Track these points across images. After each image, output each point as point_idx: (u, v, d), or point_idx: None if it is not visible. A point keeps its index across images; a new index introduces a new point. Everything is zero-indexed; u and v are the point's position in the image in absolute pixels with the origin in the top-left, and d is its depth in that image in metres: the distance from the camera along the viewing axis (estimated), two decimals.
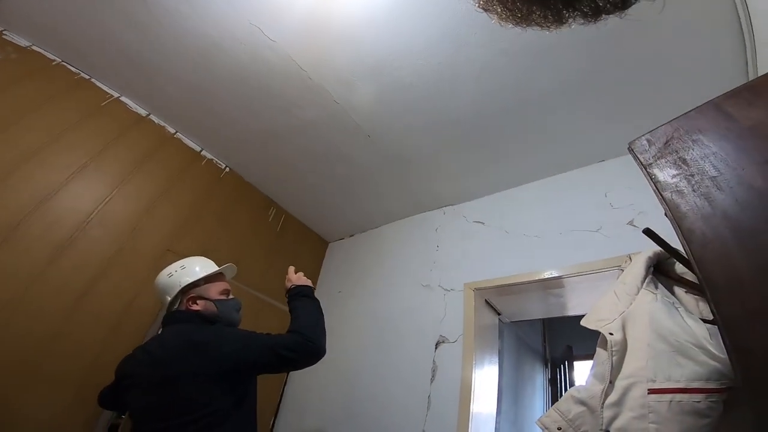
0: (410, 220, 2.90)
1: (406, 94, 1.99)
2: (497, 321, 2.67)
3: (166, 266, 1.55)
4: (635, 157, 0.96)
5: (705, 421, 0.86)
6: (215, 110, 2.28)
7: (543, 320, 4.07)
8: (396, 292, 2.57)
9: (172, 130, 2.48)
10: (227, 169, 2.66)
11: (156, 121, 2.42)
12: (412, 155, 2.37)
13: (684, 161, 0.85)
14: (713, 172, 0.79)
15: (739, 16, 1.43)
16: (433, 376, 2.07)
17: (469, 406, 1.85)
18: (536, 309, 2.68)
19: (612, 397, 0.95)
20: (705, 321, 1.04)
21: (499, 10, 0.85)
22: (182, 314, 1.41)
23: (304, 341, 1.26)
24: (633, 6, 0.91)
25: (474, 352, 2.02)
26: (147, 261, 2.16)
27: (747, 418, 0.95)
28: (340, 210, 2.92)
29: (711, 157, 0.81)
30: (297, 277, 1.57)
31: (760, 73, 1.69)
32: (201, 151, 2.57)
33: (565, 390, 3.52)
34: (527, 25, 0.93)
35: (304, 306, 1.43)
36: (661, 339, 1.01)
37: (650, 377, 0.95)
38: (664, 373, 0.95)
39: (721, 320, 0.73)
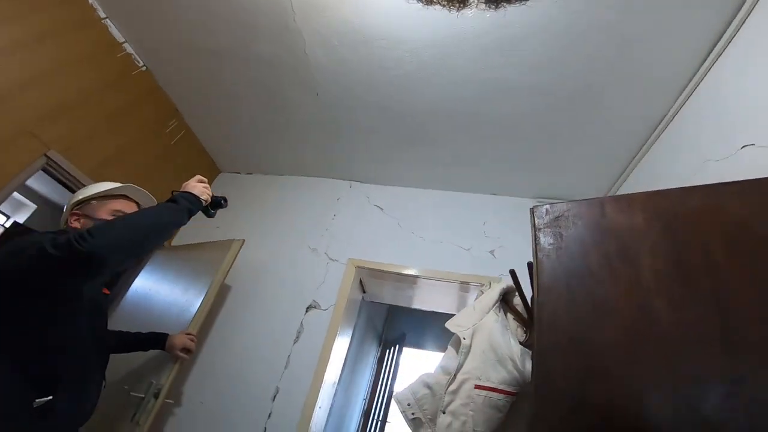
0: (317, 180, 2.93)
1: (377, 74, 2.03)
2: (361, 298, 2.97)
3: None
4: (532, 219, 1.25)
5: (500, 415, 1.21)
6: (172, 8, 1.94)
7: (389, 305, 4.61)
8: (282, 247, 2.59)
9: (103, 15, 2.07)
10: (143, 68, 2.27)
11: (90, 1, 2.01)
12: (349, 126, 2.42)
13: (561, 236, 1.16)
14: (573, 250, 1.11)
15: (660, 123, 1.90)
16: (297, 338, 2.21)
17: (325, 372, 2.06)
18: (390, 295, 3.07)
19: (452, 387, 1.24)
20: (520, 343, 1.43)
21: None
22: (57, 232, 1.20)
23: (78, 238, 0.91)
24: None
25: (340, 323, 2.23)
26: None
27: (523, 416, 1.38)
28: (250, 144, 2.75)
29: (578, 238, 1.13)
30: (191, 184, 1.29)
31: (630, 180, 2.31)
32: (123, 43, 2.16)
33: (388, 369, 4.11)
34: (428, 4, 0.99)
35: (149, 209, 1.17)
36: (492, 349, 1.35)
37: (479, 376, 1.27)
38: (487, 375, 1.29)
39: (537, 347, 1.06)
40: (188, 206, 1.20)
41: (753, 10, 1.47)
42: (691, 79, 1.74)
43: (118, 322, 1.95)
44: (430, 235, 2.56)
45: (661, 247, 1.02)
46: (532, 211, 1.28)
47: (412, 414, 1.28)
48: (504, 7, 1.59)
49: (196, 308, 1.94)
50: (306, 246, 2.58)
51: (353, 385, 3.62)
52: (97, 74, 2.08)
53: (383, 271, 2.47)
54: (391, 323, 4.69)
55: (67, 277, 0.98)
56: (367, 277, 2.68)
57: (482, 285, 2.26)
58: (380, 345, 4.47)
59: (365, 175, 2.84)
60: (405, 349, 4.20)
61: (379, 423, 3.82)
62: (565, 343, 1.04)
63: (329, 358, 2.11)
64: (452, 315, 2.81)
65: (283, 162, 2.89)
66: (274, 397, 2.04)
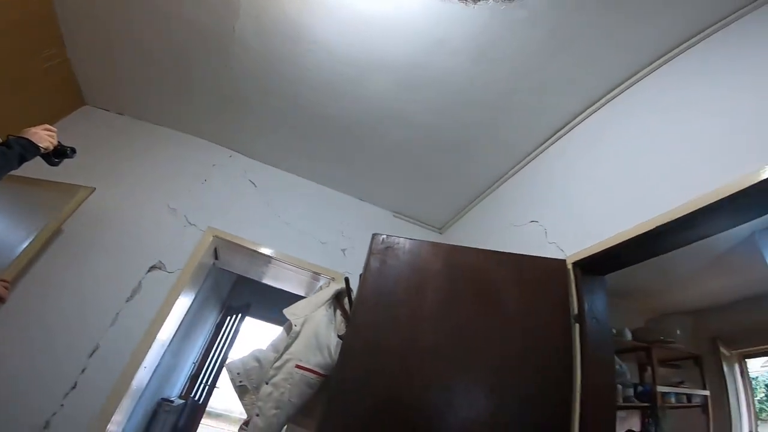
0: (197, 141, 2.83)
1: (294, 70, 2.13)
2: (212, 264, 3.03)
3: None
4: (371, 243, 1.61)
5: (311, 391, 1.56)
6: None
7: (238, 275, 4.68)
8: (137, 200, 2.45)
9: None
10: None
11: None
12: (250, 103, 2.44)
13: (386, 263, 1.55)
14: (391, 276, 1.51)
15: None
16: (131, 297, 2.17)
17: (157, 334, 2.10)
18: (243, 267, 3.21)
19: (278, 363, 1.53)
20: (339, 336, 1.81)
21: None
22: None
23: None
24: None
25: (184, 289, 2.29)
26: None
27: (326, 394, 1.76)
28: (132, 84, 2.49)
29: (397, 269, 1.53)
30: (32, 130, 1.30)
31: (462, 220, 2.90)
32: None
33: (227, 335, 4.23)
34: None
35: None
36: (316, 338, 1.69)
37: (300, 358, 1.60)
38: (307, 358, 1.62)
39: (344, 343, 1.44)
40: (21, 152, 1.21)
41: (580, 124, 2.09)
42: (524, 159, 2.35)
43: None
44: (295, 222, 2.79)
45: (442, 288, 1.49)
46: (373, 236, 1.65)
47: (240, 382, 1.53)
48: None
49: (17, 253, 1.78)
50: (165, 205, 2.52)
51: (185, 347, 3.63)
52: None
53: (241, 246, 2.60)
54: (237, 291, 4.76)
55: None
56: (223, 248, 2.76)
57: (332, 278, 2.62)
58: (222, 311, 4.52)
59: (249, 150, 2.88)
60: (248, 319, 4.36)
61: (207, 387, 3.92)
62: (363, 344, 1.43)
63: (164, 320, 2.16)
64: (300, 295, 3.15)
65: (163, 112, 2.70)
66: (92, 353, 1.99)
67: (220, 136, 2.82)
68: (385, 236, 1.64)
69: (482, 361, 1.38)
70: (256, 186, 2.84)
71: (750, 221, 1.28)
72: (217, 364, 4.00)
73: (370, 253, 1.59)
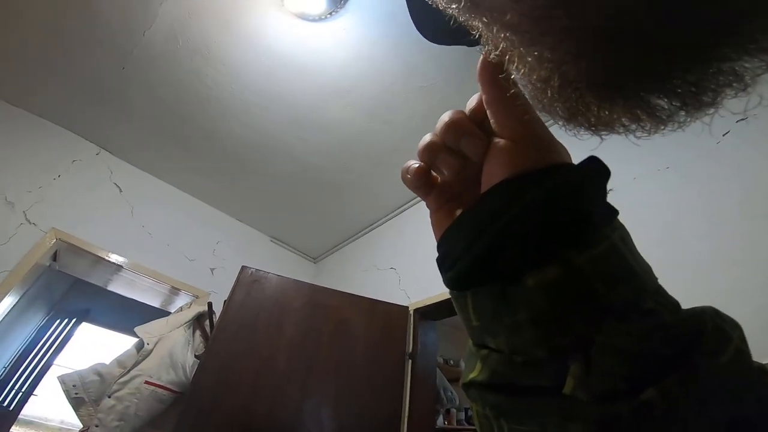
0: (59, 130, 2.66)
1: (194, 85, 2.25)
2: (47, 266, 2.84)
3: None
4: (239, 275, 1.88)
5: (162, 406, 1.73)
6: None
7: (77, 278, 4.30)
8: None
9: None
10: None
11: None
12: (136, 105, 2.45)
13: (250, 294, 1.84)
14: (253, 308, 1.81)
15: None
16: None
17: None
18: (86, 271, 3.06)
19: (124, 378, 1.67)
20: (196, 356, 2.01)
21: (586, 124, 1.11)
22: None
23: None
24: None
25: (8, 293, 2.18)
26: None
27: (179, 409, 1.93)
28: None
29: (260, 301, 1.83)
30: None
31: (333, 256, 3.29)
32: None
33: (53, 341, 3.88)
34: (569, 121, 1.13)
35: None
36: (170, 356, 1.87)
37: (151, 374, 1.76)
38: (158, 375, 1.79)
39: (201, 363, 1.68)
40: None
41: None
42: (394, 211, 2.87)
43: None
44: (161, 233, 2.82)
45: (301, 323, 1.84)
46: (242, 269, 1.93)
47: (76, 394, 1.62)
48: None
49: None
50: (2, 197, 2.35)
51: None
52: None
53: (90, 252, 2.54)
54: (74, 294, 4.35)
55: None
56: (65, 251, 2.64)
57: (195, 296, 2.75)
58: (50, 314, 4.10)
59: (122, 151, 2.82)
60: (86, 325, 4.04)
61: (21, 394, 3.56)
62: (220, 365, 1.69)
63: None
64: (154, 307, 3.14)
65: (25, 93, 2.49)
66: None
67: (92, 131, 2.72)
68: (253, 270, 1.93)
69: (330, 387, 1.75)
70: (121, 190, 2.78)
71: None
72: (36, 371, 3.65)
73: (237, 283, 1.87)
